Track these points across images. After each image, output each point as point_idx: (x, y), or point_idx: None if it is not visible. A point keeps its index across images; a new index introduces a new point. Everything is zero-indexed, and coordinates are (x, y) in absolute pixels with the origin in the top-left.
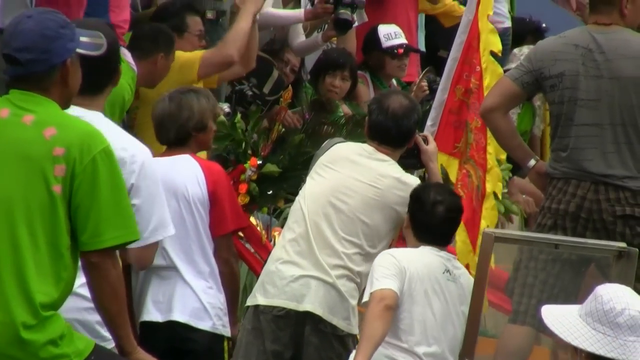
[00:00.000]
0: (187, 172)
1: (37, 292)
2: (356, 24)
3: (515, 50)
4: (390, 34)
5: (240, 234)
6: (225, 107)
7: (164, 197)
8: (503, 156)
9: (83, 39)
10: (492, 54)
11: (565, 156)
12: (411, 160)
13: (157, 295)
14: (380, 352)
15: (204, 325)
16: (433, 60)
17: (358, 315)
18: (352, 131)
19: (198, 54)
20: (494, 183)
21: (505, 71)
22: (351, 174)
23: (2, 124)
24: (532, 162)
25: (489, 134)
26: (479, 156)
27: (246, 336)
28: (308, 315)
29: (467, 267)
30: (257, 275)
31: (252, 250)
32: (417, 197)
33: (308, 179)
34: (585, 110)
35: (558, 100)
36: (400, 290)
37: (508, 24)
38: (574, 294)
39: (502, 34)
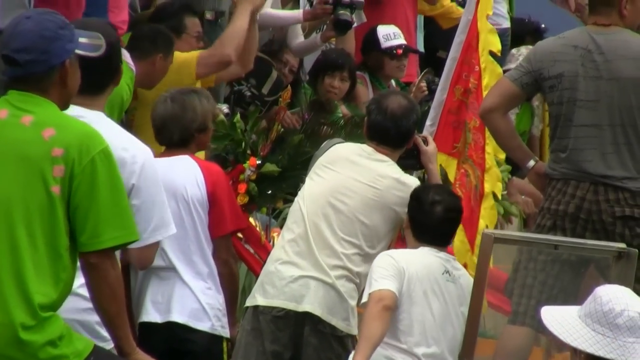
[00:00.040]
0: (186, 173)
1: (35, 292)
2: (355, 24)
3: (514, 51)
4: (390, 34)
5: (240, 235)
6: (224, 108)
7: (165, 197)
8: (502, 156)
9: (82, 39)
10: (492, 54)
11: (565, 157)
12: (411, 161)
13: (156, 296)
14: (380, 352)
15: (203, 326)
16: (432, 61)
17: (357, 316)
18: (351, 132)
19: (195, 54)
20: (492, 183)
21: (504, 72)
22: (350, 175)
23: (1, 125)
24: (532, 163)
25: (487, 133)
26: (477, 156)
27: (245, 337)
28: (307, 316)
29: (465, 266)
30: (257, 275)
31: (252, 250)
32: (416, 197)
33: (307, 179)
34: (584, 111)
35: (557, 101)
36: (399, 291)
37: (507, 24)
38: (573, 294)
39: (501, 34)
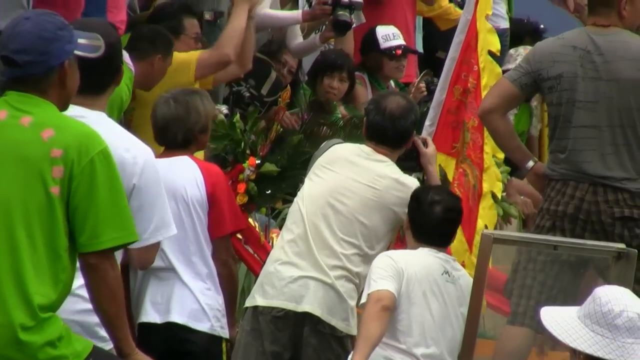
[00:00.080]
0: (186, 174)
1: (35, 293)
2: (354, 25)
3: (511, 51)
4: (389, 35)
5: (239, 235)
6: (224, 109)
7: (166, 197)
8: (501, 155)
9: (81, 40)
10: (491, 53)
11: (564, 158)
12: (410, 163)
13: (155, 297)
14: (379, 353)
15: (202, 326)
16: (431, 62)
17: (357, 317)
18: (351, 133)
19: (194, 54)
20: (491, 182)
21: (502, 72)
22: (349, 175)
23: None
24: (531, 164)
25: (486, 133)
26: (475, 155)
27: (245, 337)
28: (307, 316)
29: (462, 265)
30: (256, 276)
31: (251, 251)
32: (416, 198)
33: (306, 180)
34: (583, 112)
35: (556, 102)
36: (398, 292)
37: (506, 24)
38: (572, 295)
39: (500, 35)
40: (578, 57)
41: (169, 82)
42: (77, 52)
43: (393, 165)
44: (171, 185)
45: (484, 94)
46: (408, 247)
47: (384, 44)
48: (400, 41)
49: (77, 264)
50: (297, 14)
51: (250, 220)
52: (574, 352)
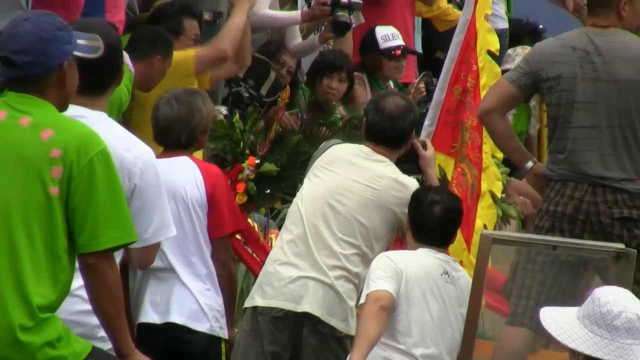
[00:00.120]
0: (186, 175)
1: (34, 294)
2: (353, 25)
3: (509, 51)
4: (388, 35)
5: (238, 236)
6: (223, 110)
7: (166, 198)
8: (500, 155)
9: (80, 41)
10: (490, 53)
11: (563, 158)
12: (409, 165)
13: (154, 297)
14: (378, 353)
15: (202, 327)
16: (430, 62)
17: (356, 317)
18: (350, 133)
19: (191, 51)
20: (490, 182)
21: (501, 72)
22: (348, 175)
23: None
24: (530, 164)
25: (484, 132)
26: (474, 155)
27: (244, 337)
28: (306, 316)
29: (460, 264)
30: (255, 276)
31: (250, 251)
32: (416, 198)
33: (305, 180)
34: (582, 112)
35: (555, 103)
36: (397, 292)
37: (505, 25)
38: (571, 295)
39: (499, 35)
40: (577, 58)
41: (168, 80)
42: (76, 53)
43: (392, 165)
44: (171, 186)
45: (483, 93)
46: (408, 247)
47: (383, 45)
48: (399, 41)
49: (76, 265)
50: (296, 14)
51: (249, 220)
52: (573, 352)
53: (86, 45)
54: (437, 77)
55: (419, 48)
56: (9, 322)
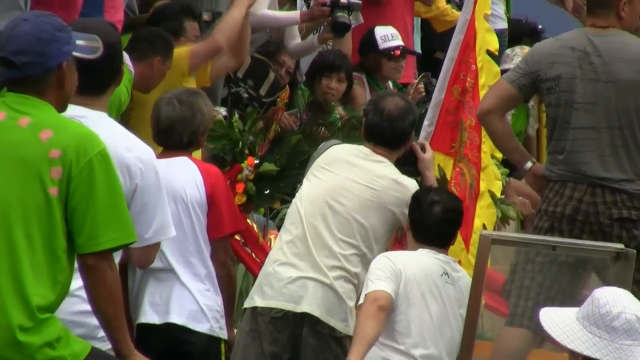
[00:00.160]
0: (185, 175)
1: (33, 294)
2: (352, 26)
3: (508, 51)
4: (387, 35)
5: (237, 237)
6: (223, 110)
7: (167, 198)
8: (499, 154)
9: (79, 42)
10: (489, 53)
11: (562, 159)
12: (408, 168)
13: (154, 297)
14: (377, 353)
15: (201, 327)
16: (429, 62)
17: (355, 318)
18: (349, 134)
19: (184, 48)
20: (489, 181)
21: (500, 72)
22: (348, 176)
23: None
24: (529, 165)
25: (483, 132)
26: (472, 155)
27: (244, 338)
28: (306, 317)
29: (458, 263)
30: (255, 277)
31: (250, 251)
32: (416, 198)
33: (304, 180)
34: (582, 113)
35: (554, 103)
36: (395, 293)
37: (504, 25)
38: (570, 296)
39: (498, 35)
40: (576, 59)
41: (165, 79)
42: (75, 54)
43: (391, 165)
44: (170, 186)
45: (482, 93)
46: (408, 248)
47: (382, 45)
48: (398, 42)
49: (76, 265)
50: (295, 14)
51: (248, 220)
52: (572, 353)
53: (85, 45)
54: (436, 77)
55: (418, 48)
56: (8, 323)
